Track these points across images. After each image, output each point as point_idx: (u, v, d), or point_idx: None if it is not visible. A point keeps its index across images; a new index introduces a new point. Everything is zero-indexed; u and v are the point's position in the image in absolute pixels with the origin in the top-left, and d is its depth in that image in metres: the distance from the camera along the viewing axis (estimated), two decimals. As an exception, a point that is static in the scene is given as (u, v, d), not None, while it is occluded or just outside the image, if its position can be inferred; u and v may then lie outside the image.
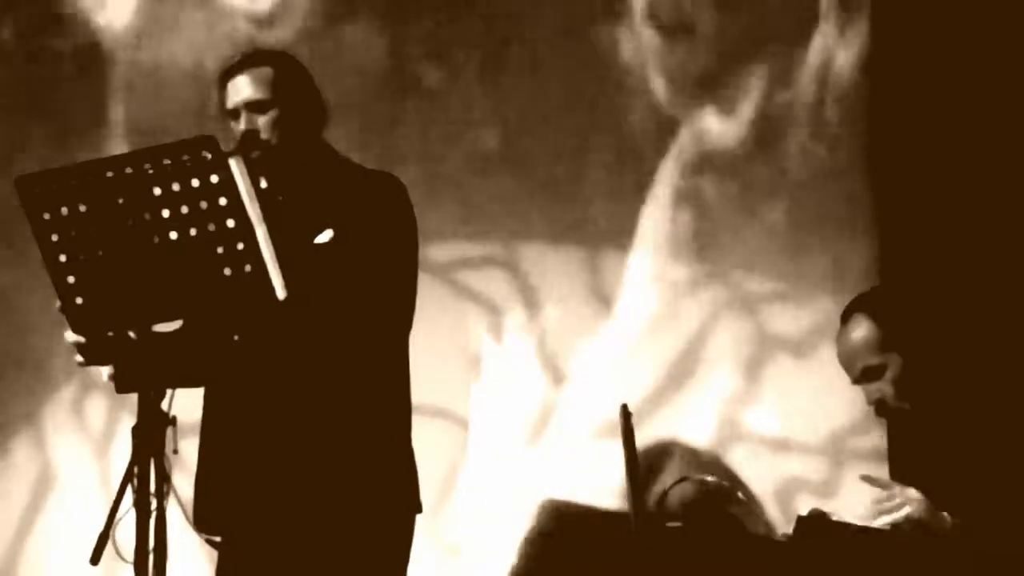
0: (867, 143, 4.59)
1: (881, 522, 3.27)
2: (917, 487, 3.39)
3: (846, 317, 3.52)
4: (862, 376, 3.47)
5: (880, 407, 3.48)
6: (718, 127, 4.67)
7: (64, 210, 2.85)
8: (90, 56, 4.82)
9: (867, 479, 3.41)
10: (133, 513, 2.83)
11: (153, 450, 2.85)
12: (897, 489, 3.30)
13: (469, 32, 4.74)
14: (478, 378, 4.63)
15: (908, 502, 3.26)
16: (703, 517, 4.27)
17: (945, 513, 3.26)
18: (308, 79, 3.36)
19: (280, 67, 3.31)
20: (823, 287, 4.54)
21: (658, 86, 4.70)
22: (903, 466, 3.89)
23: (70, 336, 3.07)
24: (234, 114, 3.28)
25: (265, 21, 4.78)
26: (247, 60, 3.32)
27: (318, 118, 3.34)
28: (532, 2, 4.74)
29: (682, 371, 4.59)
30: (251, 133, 3.21)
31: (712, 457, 4.54)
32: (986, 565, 3.22)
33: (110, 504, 2.88)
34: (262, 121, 3.25)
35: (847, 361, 3.50)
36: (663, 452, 4.53)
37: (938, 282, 4.29)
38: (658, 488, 4.44)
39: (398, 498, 3.25)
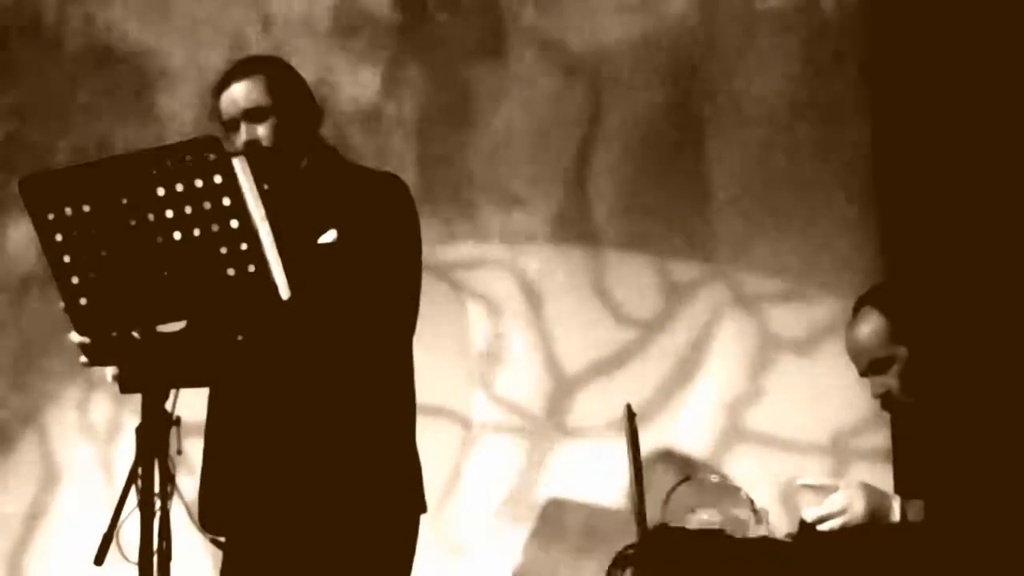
0: (871, 140, 4.58)
1: (824, 527, 3.29)
2: (921, 481, 3.40)
3: (856, 310, 3.53)
4: (869, 369, 3.48)
5: (885, 400, 3.49)
6: (720, 127, 4.67)
7: (68, 210, 2.85)
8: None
9: (806, 487, 3.42)
10: (137, 513, 2.83)
11: (157, 450, 2.85)
12: (834, 495, 3.31)
13: (470, 31, 4.74)
14: (481, 378, 4.63)
15: (847, 507, 3.28)
16: (706, 517, 4.27)
17: (895, 498, 3.28)
18: (301, 81, 3.36)
19: (273, 72, 3.31)
20: (827, 286, 4.54)
21: (659, 84, 4.70)
22: (907, 460, 3.90)
23: (74, 337, 3.08)
24: (233, 125, 3.27)
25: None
26: (239, 69, 3.32)
27: (315, 118, 3.34)
28: (533, 2, 4.74)
29: (685, 370, 4.59)
30: (253, 144, 3.20)
31: (715, 456, 4.54)
32: (987, 561, 3.22)
33: (114, 504, 2.88)
34: (262, 130, 3.24)
35: (855, 354, 3.51)
36: (667, 451, 4.53)
37: (944, 279, 4.29)
38: (662, 487, 4.44)
39: (402, 498, 3.25)
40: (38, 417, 4.72)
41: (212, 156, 2.79)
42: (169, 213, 2.81)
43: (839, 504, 3.29)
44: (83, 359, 3.13)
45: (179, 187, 2.80)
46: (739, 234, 4.62)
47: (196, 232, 2.81)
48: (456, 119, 4.72)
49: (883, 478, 4.08)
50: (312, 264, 3.07)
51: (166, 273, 2.82)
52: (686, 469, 4.49)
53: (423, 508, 3.30)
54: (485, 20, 4.73)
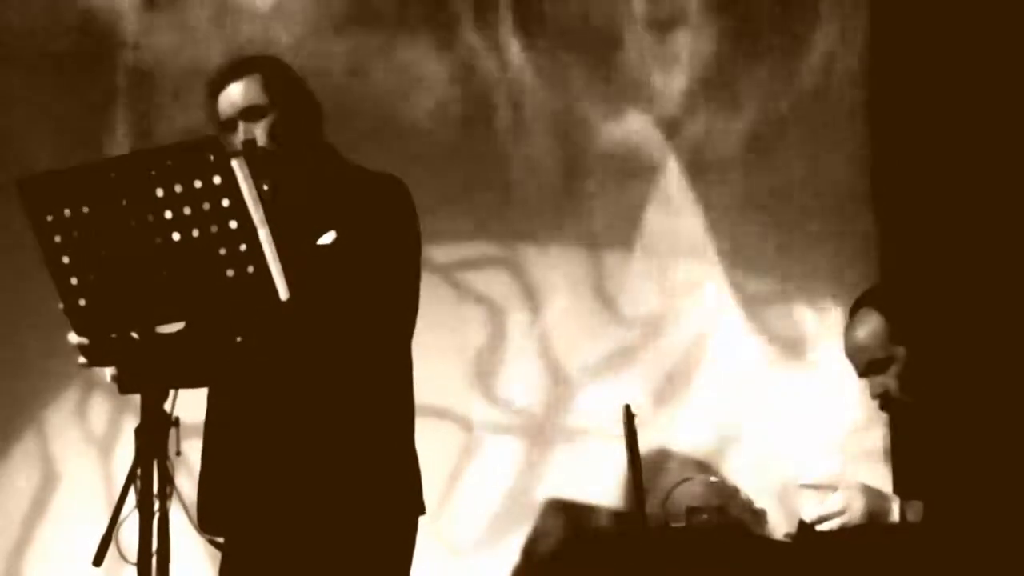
0: (868, 141, 4.59)
1: (824, 527, 3.30)
2: (920, 481, 3.41)
3: (854, 311, 3.54)
4: (867, 369, 3.49)
5: (884, 400, 3.49)
6: (720, 127, 4.67)
7: (67, 212, 2.84)
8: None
9: (806, 487, 3.43)
10: (136, 514, 2.83)
11: (156, 451, 2.85)
12: (833, 496, 3.32)
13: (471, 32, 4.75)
14: (480, 379, 4.63)
15: (847, 507, 3.28)
16: (706, 517, 4.27)
17: (894, 499, 3.28)
18: (298, 80, 3.34)
19: (269, 71, 3.29)
20: (825, 287, 4.54)
21: (660, 86, 4.70)
22: (906, 460, 3.90)
23: (73, 338, 3.07)
24: (229, 125, 3.25)
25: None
26: (235, 69, 3.29)
27: (313, 118, 3.32)
28: (535, 4, 4.75)
29: (684, 371, 4.59)
30: (250, 143, 3.19)
31: (715, 456, 4.54)
32: (986, 561, 3.23)
33: (113, 505, 2.89)
34: (259, 129, 3.22)
35: (853, 354, 3.52)
36: (666, 452, 4.54)
37: (942, 279, 4.30)
38: (661, 488, 4.44)
39: (401, 499, 3.24)
40: (37, 418, 4.72)
41: (211, 156, 2.78)
42: (168, 214, 2.80)
43: (838, 504, 3.29)
44: (82, 360, 3.13)
45: (178, 188, 2.79)
46: (739, 234, 4.62)
47: (195, 233, 2.80)
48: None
49: (883, 478, 4.09)
50: (311, 265, 3.07)
51: (165, 274, 2.82)
52: (686, 469, 4.49)
53: (422, 510, 3.30)
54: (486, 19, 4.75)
